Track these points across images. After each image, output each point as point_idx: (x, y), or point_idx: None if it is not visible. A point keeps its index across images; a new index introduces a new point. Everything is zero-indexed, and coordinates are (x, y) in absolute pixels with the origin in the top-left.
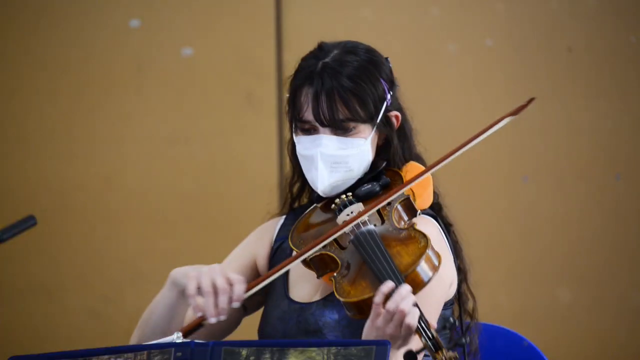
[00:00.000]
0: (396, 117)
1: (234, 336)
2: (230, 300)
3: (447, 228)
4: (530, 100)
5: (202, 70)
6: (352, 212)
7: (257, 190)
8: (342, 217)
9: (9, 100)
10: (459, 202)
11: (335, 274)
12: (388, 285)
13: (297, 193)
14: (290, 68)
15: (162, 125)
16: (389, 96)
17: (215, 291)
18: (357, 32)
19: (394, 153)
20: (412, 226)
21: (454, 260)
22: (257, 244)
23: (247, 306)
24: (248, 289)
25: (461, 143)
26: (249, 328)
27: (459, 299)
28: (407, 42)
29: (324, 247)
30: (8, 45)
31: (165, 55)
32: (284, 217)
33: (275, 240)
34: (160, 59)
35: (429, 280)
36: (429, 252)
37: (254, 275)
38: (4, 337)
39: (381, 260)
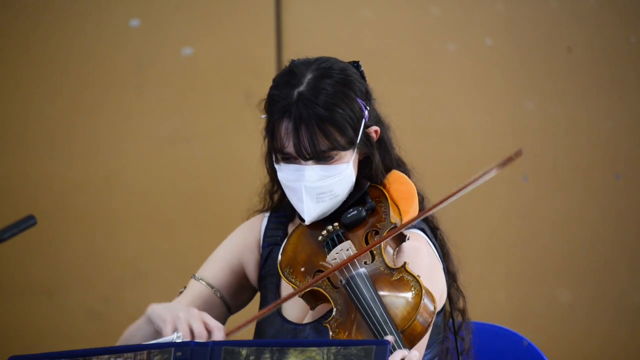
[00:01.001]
0: (375, 131)
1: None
2: None
3: (434, 232)
4: (518, 153)
5: (202, 70)
6: (342, 250)
7: (257, 190)
8: (332, 256)
9: (9, 100)
10: (459, 202)
11: (330, 319)
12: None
13: (277, 201)
14: None
15: (162, 125)
16: (366, 113)
17: (193, 338)
18: (357, 32)
19: (375, 169)
20: (404, 267)
21: (443, 267)
22: (243, 247)
23: (232, 306)
24: (227, 335)
25: (445, 195)
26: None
27: (449, 299)
28: (407, 42)
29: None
30: (8, 45)
31: (165, 55)
32: (267, 214)
33: (263, 246)
34: (160, 59)
35: (426, 330)
36: (424, 300)
37: (239, 280)
38: (4, 337)
39: (377, 315)
